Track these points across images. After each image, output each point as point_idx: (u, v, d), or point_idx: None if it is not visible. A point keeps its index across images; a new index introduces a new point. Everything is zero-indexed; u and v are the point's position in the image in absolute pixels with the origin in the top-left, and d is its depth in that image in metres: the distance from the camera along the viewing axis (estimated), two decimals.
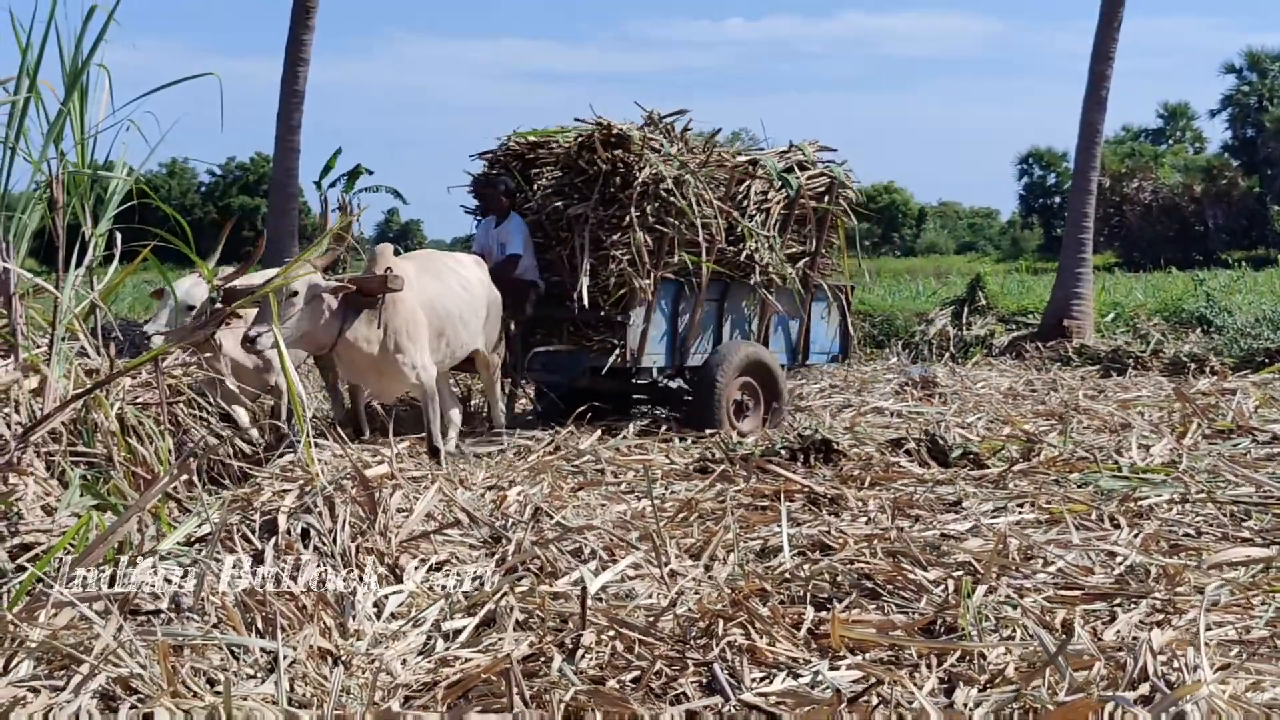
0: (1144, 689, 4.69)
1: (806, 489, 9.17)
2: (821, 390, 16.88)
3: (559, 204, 12.72)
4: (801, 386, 17.28)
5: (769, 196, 13.73)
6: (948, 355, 21.64)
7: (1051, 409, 14.44)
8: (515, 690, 4.79)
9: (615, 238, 12.45)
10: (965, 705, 4.87)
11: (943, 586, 6.45)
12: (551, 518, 8.10)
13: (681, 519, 8.41)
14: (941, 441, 10.90)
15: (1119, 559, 7.17)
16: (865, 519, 8.38)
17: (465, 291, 11.54)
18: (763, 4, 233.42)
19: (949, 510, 8.74)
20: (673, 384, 13.79)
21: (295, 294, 9.54)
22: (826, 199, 14.25)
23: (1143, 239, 59.17)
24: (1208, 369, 18.89)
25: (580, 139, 12.83)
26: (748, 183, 13.53)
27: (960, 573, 6.71)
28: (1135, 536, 7.76)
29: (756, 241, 13.39)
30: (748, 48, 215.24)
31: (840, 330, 15.04)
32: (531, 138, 13.59)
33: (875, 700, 4.88)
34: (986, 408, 14.59)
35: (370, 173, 24.22)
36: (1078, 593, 6.48)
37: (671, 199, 12.58)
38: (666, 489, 9.69)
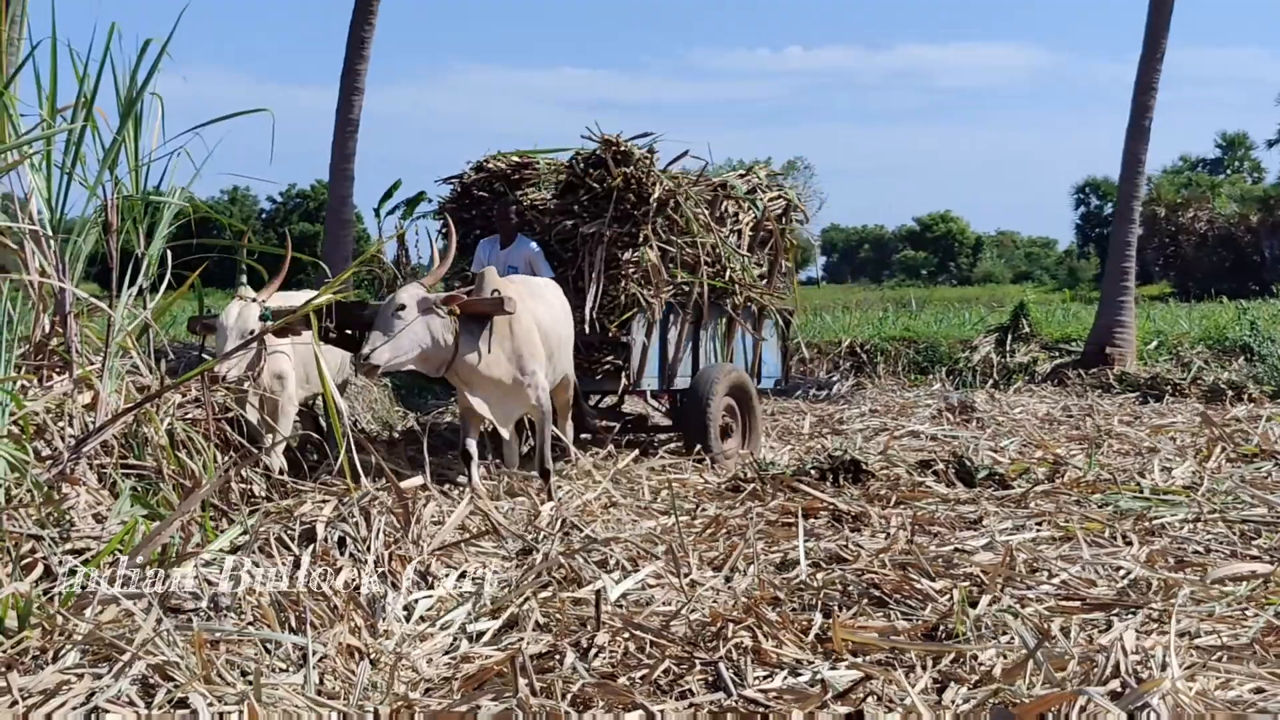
0: (1115, 685, 4.99)
1: (831, 507, 9.45)
2: (861, 414, 17.12)
3: (569, 223, 12.50)
4: (842, 410, 17.58)
5: (740, 218, 13.91)
6: (990, 382, 21.77)
7: (1084, 434, 14.63)
8: (524, 680, 5.12)
9: (627, 256, 12.33)
10: (952, 701, 5.16)
11: (948, 596, 6.71)
12: (580, 531, 8.43)
13: (709, 534, 8.71)
14: (968, 463, 11.15)
15: (1122, 572, 7.43)
16: (885, 535, 8.64)
17: (563, 314, 11.34)
18: (821, 34, 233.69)
19: (969, 528, 8.99)
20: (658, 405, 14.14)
21: (403, 306, 9.30)
22: (783, 220, 14.49)
23: (1198, 269, 58.78)
24: (1245, 396, 19.06)
25: (589, 156, 12.69)
26: (724, 203, 13.63)
27: (966, 583, 7.00)
28: (1142, 552, 8.01)
29: (736, 262, 13.48)
30: (806, 78, 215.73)
31: (781, 354, 15.04)
32: (514, 158, 13.54)
33: (863, 694, 5.16)
34: (1021, 432, 14.77)
35: (431, 200, 24.52)
36: (1077, 603, 6.74)
37: (675, 217, 12.66)
38: (698, 507, 9.96)
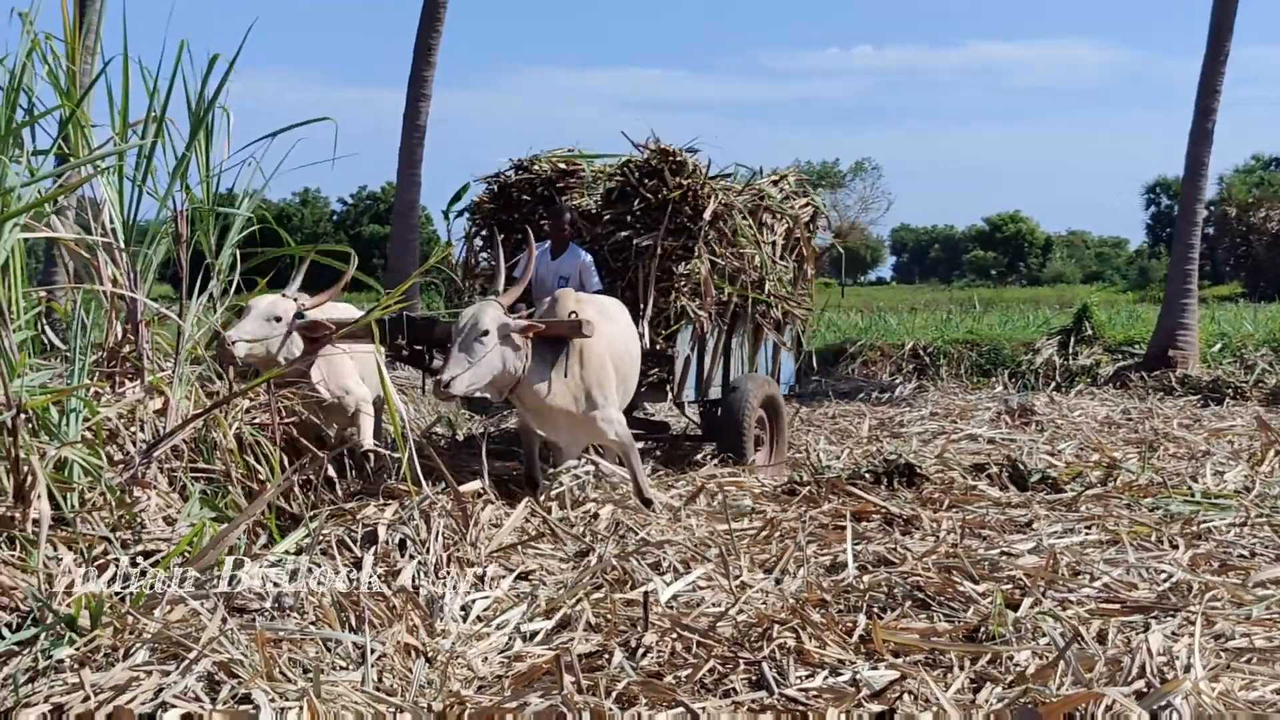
0: (1140, 685, 5.16)
1: (884, 510, 9.62)
2: (920, 418, 17.21)
3: (622, 234, 12.06)
4: (903, 413, 17.69)
5: (775, 227, 13.52)
6: (1053, 384, 21.75)
7: (1141, 437, 14.69)
8: (570, 678, 5.34)
9: (680, 269, 11.92)
10: (985, 701, 5.34)
11: (990, 599, 6.87)
12: (636, 534, 8.63)
13: (764, 537, 8.89)
14: (1021, 467, 11.29)
15: (1164, 576, 7.57)
16: (934, 538, 8.79)
17: (632, 335, 10.90)
18: (891, 32, 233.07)
19: (1018, 531, 9.14)
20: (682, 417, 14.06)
21: (486, 333, 8.88)
22: (810, 227, 14.18)
23: (1269, 269, 58.37)
24: None
25: (642, 165, 12.30)
26: (762, 213, 13.24)
27: (1008, 586, 7.16)
28: (1186, 556, 8.14)
29: (772, 273, 13.16)
30: (876, 77, 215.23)
31: (797, 359, 14.66)
32: (560, 162, 13.09)
33: (899, 693, 5.35)
34: (1079, 436, 14.83)
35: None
36: (1117, 606, 6.89)
37: (725, 229, 12.35)
38: (753, 510, 10.13)
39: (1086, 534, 8.94)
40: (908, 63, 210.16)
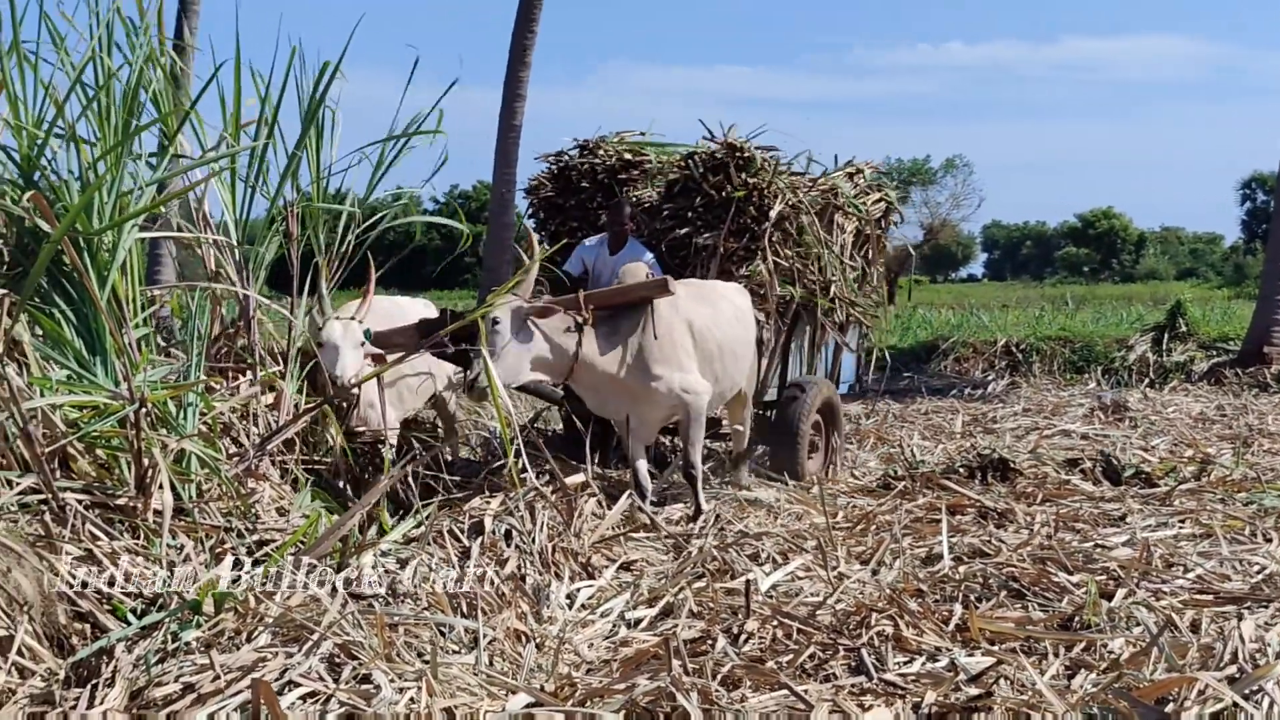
0: (1231, 670, 5.29)
1: (978, 504, 9.74)
2: (1013, 414, 17.26)
3: (682, 231, 11.50)
4: (995, 410, 17.76)
5: (845, 226, 12.76)
6: (1146, 381, 21.69)
7: (1235, 433, 14.70)
8: (677, 661, 5.53)
9: (742, 270, 11.37)
10: (1080, 686, 5.48)
11: (1085, 589, 6.99)
12: (734, 525, 8.82)
13: (860, 530, 9.05)
14: (1115, 461, 11.37)
15: (1257, 568, 7.66)
16: (1028, 531, 8.90)
17: (739, 323, 10.50)
18: (983, 28, 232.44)
19: (1112, 525, 9.23)
20: None
21: (497, 322, 8.76)
22: (882, 224, 13.49)
23: None
24: None
25: (707, 159, 11.61)
26: (832, 212, 12.50)
27: (1102, 576, 7.28)
28: None
29: (838, 274, 12.41)
30: (968, 73, 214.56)
31: (858, 359, 13.90)
32: (626, 151, 12.49)
33: (995, 678, 5.49)
34: (1172, 431, 14.85)
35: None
36: (1210, 597, 6.99)
37: (790, 230, 11.76)
38: (850, 504, 10.28)
39: (1180, 527, 9.01)
40: (1000, 58, 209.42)
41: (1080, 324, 26.96)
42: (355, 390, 8.83)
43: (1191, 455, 12.53)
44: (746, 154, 11.54)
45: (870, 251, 13.28)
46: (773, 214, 11.45)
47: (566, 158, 12.56)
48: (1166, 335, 23.33)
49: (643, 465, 9.76)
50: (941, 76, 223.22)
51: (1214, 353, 22.80)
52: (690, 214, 11.55)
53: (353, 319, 8.97)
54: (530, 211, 12.78)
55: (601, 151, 12.44)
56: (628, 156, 12.41)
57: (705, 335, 9.92)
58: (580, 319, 9.15)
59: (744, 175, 11.47)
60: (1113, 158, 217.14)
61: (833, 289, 12.29)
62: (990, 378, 22.48)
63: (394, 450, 9.24)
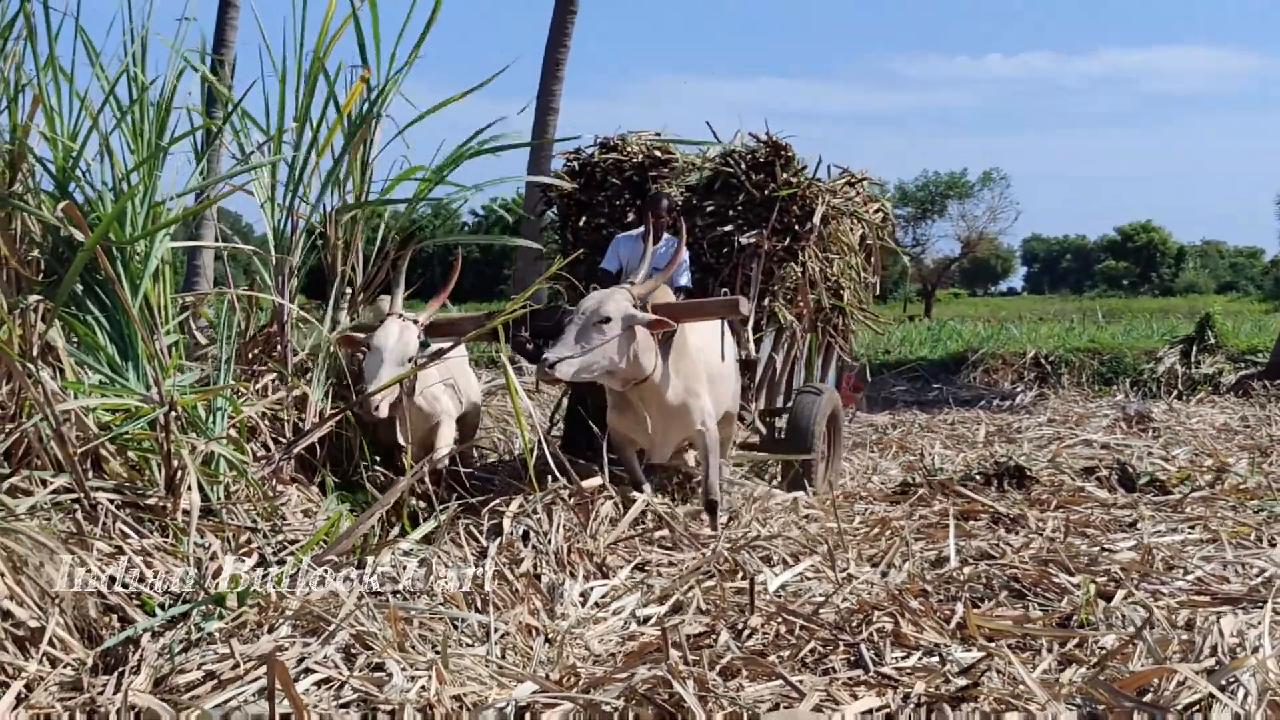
0: (1210, 662, 5.49)
1: (991, 510, 9.92)
2: (1038, 424, 17.39)
3: (725, 229, 11.36)
4: (1020, 420, 17.89)
5: (853, 231, 12.64)
6: (1174, 393, 21.76)
7: (1256, 443, 14.81)
8: (676, 652, 5.76)
9: (781, 272, 11.35)
10: (1069, 680, 5.67)
11: (1084, 590, 7.17)
12: (749, 529, 9.02)
13: (874, 535, 9.23)
14: (1130, 470, 11.53)
15: (1256, 570, 7.83)
16: (1038, 535, 9.07)
17: (727, 341, 10.19)
18: (1021, 40, 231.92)
19: (1121, 530, 9.39)
20: None
21: (607, 319, 8.49)
22: (880, 232, 13.26)
23: None
24: None
25: (748, 157, 11.59)
26: (846, 216, 12.44)
27: (1103, 578, 7.47)
28: None
29: (849, 280, 12.49)
30: (1005, 85, 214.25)
31: (838, 370, 13.43)
32: (656, 149, 12.28)
33: (985, 669, 5.69)
34: (1194, 441, 14.95)
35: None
36: (1207, 598, 7.16)
37: (823, 232, 11.74)
38: (866, 509, 10.47)
39: (1188, 533, 9.16)
40: (1038, 70, 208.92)
41: (1110, 336, 27.05)
42: (379, 413, 8.54)
43: (1210, 465, 12.64)
44: (790, 153, 11.51)
45: (873, 259, 13.16)
46: (817, 216, 11.48)
47: (587, 154, 12.36)
48: (1195, 347, 23.41)
49: (648, 487, 9.49)
50: (980, 89, 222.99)
51: (1243, 365, 22.86)
52: (730, 211, 11.47)
53: (415, 321, 8.86)
54: (543, 208, 12.76)
55: (628, 149, 12.26)
56: (657, 154, 12.22)
57: (709, 357, 9.75)
58: (665, 330, 8.88)
59: (786, 175, 11.42)
60: (1153, 169, 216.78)
61: (845, 295, 12.37)
62: (1018, 389, 22.60)
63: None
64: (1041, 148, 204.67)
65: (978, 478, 11.39)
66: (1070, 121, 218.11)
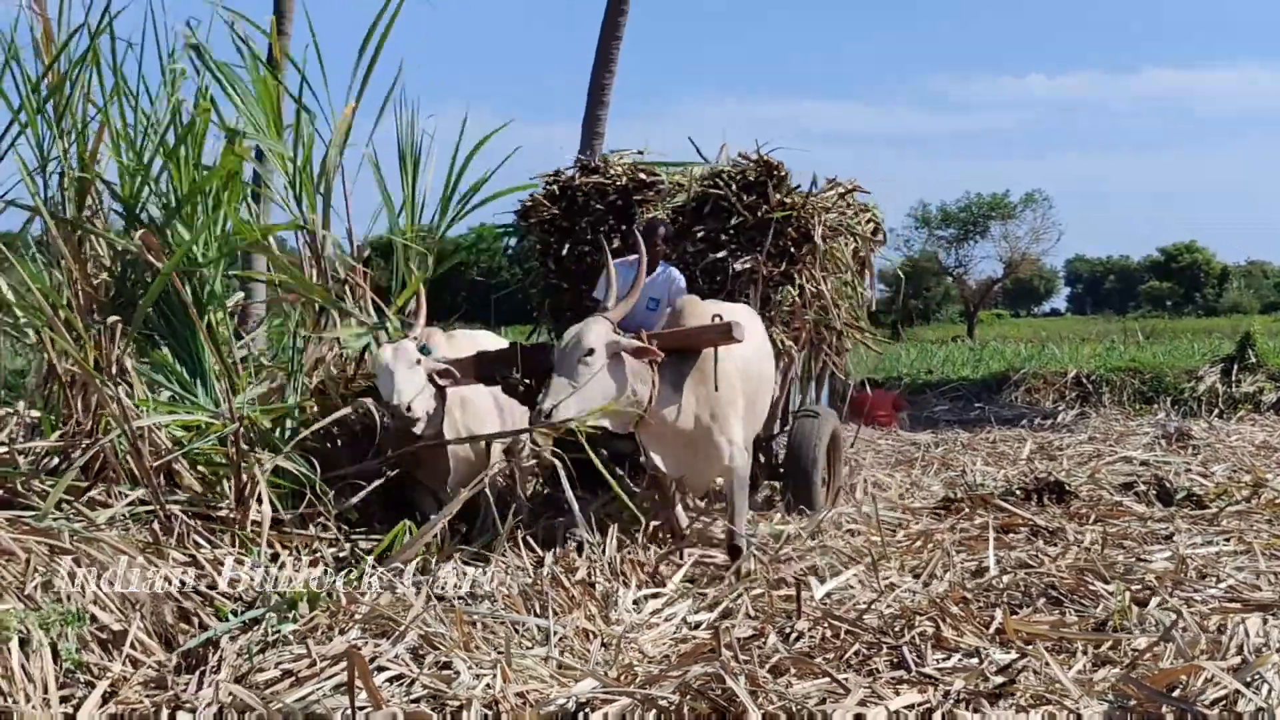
0: (1235, 660, 5.76)
1: (1030, 523, 10.16)
2: (1079, 442, 17.55)
3: (718, 255, 10.99)
4: (1062, 438, 18.07)
5: (846, 246, 11.95)
6: (1215, 411, 21.86)
7: None
8: (728, 650, 6.06)
9: (777, 296, 10.99)
10: (1102, 679, 5.93)
11: (1119, 596, 7.42)
12: (792, 541, 9.29)
13: (917, 548, 9.48)
14: (1168, 485, 11.73)
15: None
16: (1076, 546, 9.30)
17: (765, 352, 9.89)
18: (1065, 59, 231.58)
19: (1158, 542, 9.61)
20: None
21: (591, 351, 7.86)
22: (870, 245, 12.56)
23: None
24: None
25: (738, 177, 11.23)
26: (841, 233, 11.81)
27: (1138, 586, 7.72)
28: None
29: (844, 296, 11.86)
30: (1049, 106, 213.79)
31: (830, 388, 12.90)
32: (641, 171, 11.84)
33: (1020, 668, 5.96)
34: (1233, 459, 15.10)
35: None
36: (1238, 605, 7.40)
37: (818, 252, 11.21)
38: (910, 524, 10.72)
39: (1223, 545, 9.36)
40: (1082, 90, 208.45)
41: (1151, 356, 27.17)
42: (417, 417, 8.50)
43: (1248, 480, 12.80)
44: (782, 172, 11.17)
45: (866, 274, 12.61)
46: (815, 235, 11.05)
47: (567, 177, 11.98)
48: (1236, 366, 23.47)
49: (679, 509, 9.39)
50: (1023, 110, 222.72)
51: None
52: (723, 236, 11.10)
53: (405, 338, 8.75)
54: (520, 235, 12.43)
55: (611, 171, 11.87)
56: (641, 175, 11.79)
57: (749, 370, 9.16)
58: (654, 358, 8.22)
59: (779, 195, 11.09)
60: (1199, 189, 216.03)
61: (842, 313, 11.76)
62: (1060, 408, 22.71)
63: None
64: (1086, 168, 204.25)
65: (1018, 493, 11.58)
66: (1114, 141, 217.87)
